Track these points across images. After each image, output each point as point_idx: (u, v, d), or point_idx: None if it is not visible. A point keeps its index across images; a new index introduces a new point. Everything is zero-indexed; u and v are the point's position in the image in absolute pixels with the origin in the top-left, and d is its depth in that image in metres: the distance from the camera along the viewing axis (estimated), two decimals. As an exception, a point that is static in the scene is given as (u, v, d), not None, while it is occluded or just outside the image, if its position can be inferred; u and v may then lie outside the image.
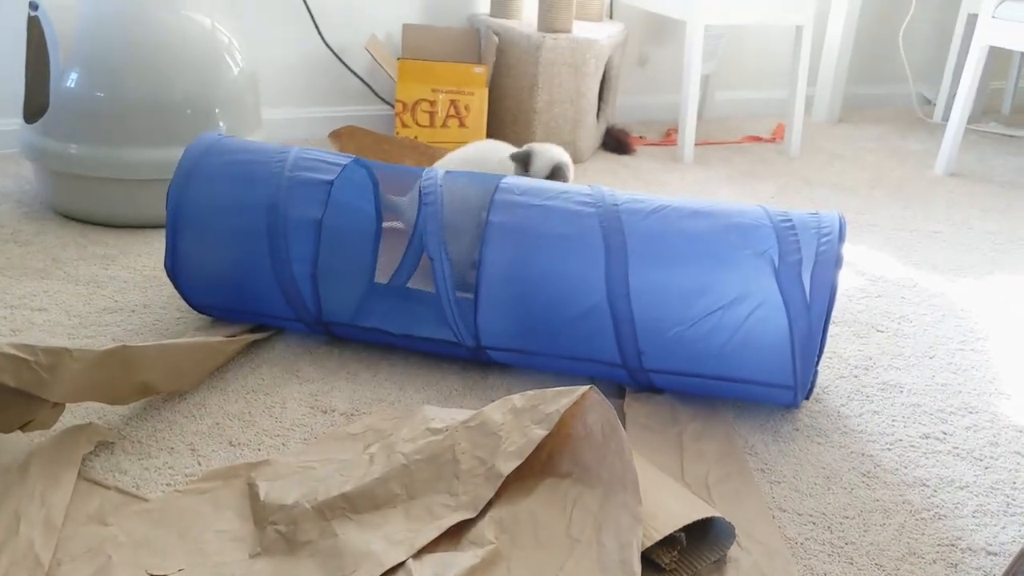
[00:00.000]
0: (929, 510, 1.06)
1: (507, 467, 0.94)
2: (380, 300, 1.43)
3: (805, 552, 0.98)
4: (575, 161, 2.39)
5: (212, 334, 1.31)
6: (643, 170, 2.40)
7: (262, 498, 0.96)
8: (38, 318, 1.38)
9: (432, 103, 2.31)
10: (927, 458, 1.17)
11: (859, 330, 1.53)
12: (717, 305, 1.14)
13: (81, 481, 1.00)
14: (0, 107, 2.12)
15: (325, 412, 1.18)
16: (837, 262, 1.13)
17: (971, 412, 1.29)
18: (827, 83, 3.03)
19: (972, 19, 2.95)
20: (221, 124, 1.77)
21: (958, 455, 1.18)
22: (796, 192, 2.29)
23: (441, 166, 1.61)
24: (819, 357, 1.26)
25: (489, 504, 0.93)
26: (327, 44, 2.43)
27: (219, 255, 1.31)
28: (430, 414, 1.04)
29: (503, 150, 1.65)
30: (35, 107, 1.76)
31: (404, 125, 2.31)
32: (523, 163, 1.57)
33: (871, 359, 1.43)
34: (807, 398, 1.28)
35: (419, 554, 0.88)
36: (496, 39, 2.36)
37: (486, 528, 0.91)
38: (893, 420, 1.26)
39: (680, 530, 0.90)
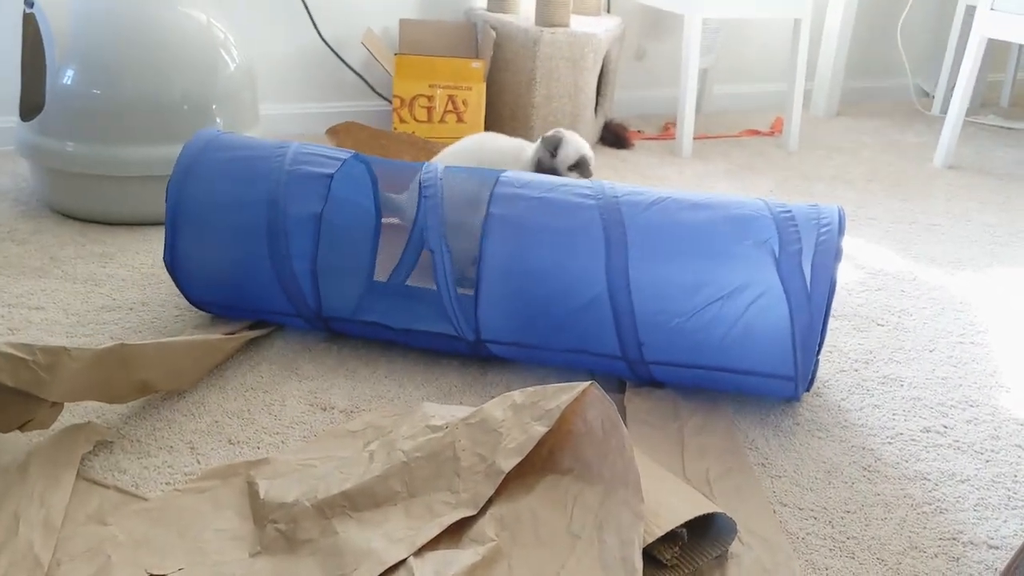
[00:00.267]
0: (930, 504, 1.06)
1: (507, 464, 0.93)
2: (380, 297, 1.43)
3: (806, 547, 0.98)
4: (574, 155, 2.40)
5: (211, 332, 1.31)
6: (641, 164, 2.39)
7: (262, 496, 0.96)
8: (36, 317, 1.37)
9: (430, 98, 2.30)
10: (928, 452, 1.17)
11: (859, 324, 1.53)
12: (718, 295, 1.14)
13: (80, 481, 1.00)
14: (-4, 105, 2.11)
15: (324, 409, 1.18)
16: (837, 252, 1.13)
17: (972, 405, 1.29)
18: (825, 76, 3.03)
19: (970, 11, 2.94)
20: (218, 120, 1.76)
21: (959, 449, 1.18)
22: (795, 186, 2.29)
23: (438, 159, 1.60)
24: (820, 348, 1.26)
25: (490, 501, 0.93)
26: (323, 39, 2.42)
27: (218, 251, 1.30)
28: (430, 411, 1.03)
29: (500, 141, 1.64)
30: (31, 105, 1.75)
31: (402, 120, 2.30)
32: (552, 148, 1.56)
33: (871, 353, 1.43)
34: (808, 390, 1.28)
35: (420, 552, 0.88)
36: (493, 34, 2.36)
37: (487, 525, 0.91)
38: (894, 414, 1.26)
39: (681, 526, 0.90)
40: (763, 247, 1.13)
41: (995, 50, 3.04)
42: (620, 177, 2.26)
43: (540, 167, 1.55)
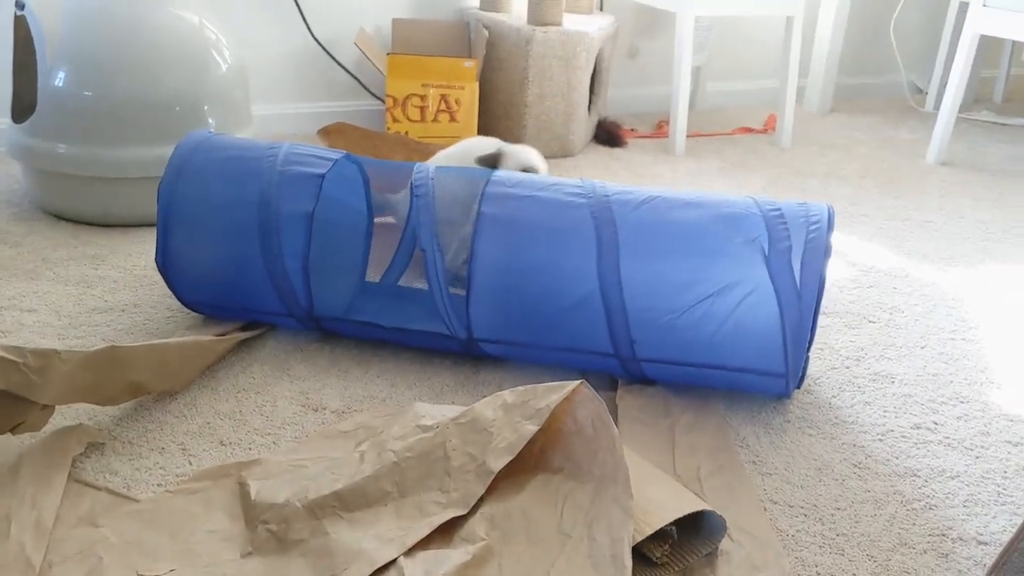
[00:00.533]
0: (920, 500, 1.07)
1: (498, 463, 0.94)
2: (372, 296, 1.43)
3: (796, 544, 0.98)
4: (566, 155, 2.41)
5: (202, 333, 1.31)
6: (635, 162, 2.39)
7: (253, 497, 0.96)
8: (28, 319, 1.37)
9: (423, 98, 2.30)
10: (918, 448, 1.17)
11: (851, 321, 1.53)
12: (707, 293, 1.15)
13: (72, 483, 1.00)
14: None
15: (316, 410, 1.18)
16: (826, 249, 1.14)
17: (962, 402, 1.30)
18: (818, 73, 3.03)
19: (963, 7, 2.95)
20: (210, 121, 1.76)
21: (949, 445, 1.19)
22: (788, 183, 2.29)
23: (432, 163, 1.60)
24: (810, 344, 1.26)
25: (480, 501, 0.93)
26: (316, 39, 2.42)
27: (210, 251, 1.31)
28: (421, 411, 1.04)
29: (489, 146, 1.64)
30: (23, 107, 1.75)
31: (395, 120, 2.30)
32: (491, 167, 1.52)
33: (862, 350, 1.43)
34: (798, 387, 1.28)
35: (410, 552, 0.88)
36: (486, 33, 2.36)
37: (477, 525, 0.91)
38: (884, 411, 1.26)
39: (671, 524, 0.91)
40: (752, 245, 1.14)
41: (988, 46, 3.05)
42: (613, 175, 2.26)
43: None
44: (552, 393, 0.97)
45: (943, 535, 1.01)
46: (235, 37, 1.86)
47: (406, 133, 2.28)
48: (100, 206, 1.74)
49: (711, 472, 1.08)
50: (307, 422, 1.15)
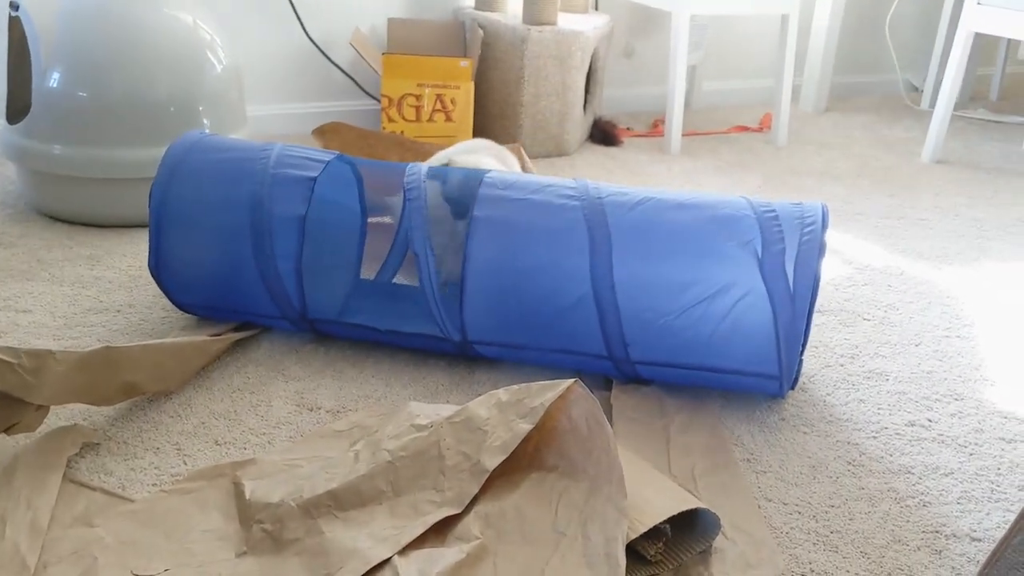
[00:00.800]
0: (914, 497, 1.07)
1: (492, 462, 0.94)
2: (366, 297, 1.43)
3: (791, 541, 0.98)
4: (562, 154, 2.41)
5: (197, 333, 1.31)
6: (631, 162, 2.40)
7: (248, 497, 0.96)
8: (23, 320, 1.37)
9: (418, 97, 2.30)
10: (912, 446, 1.18)
11: (845, 319, 1.54)
12: (702, 296, 1.15)
13: (66, 483, 1.00)
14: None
15: (311, 410, 1.18)
16: (820, 251, 1.14)
17: (956, 399, 1.30)
18: (814, 72, 3.04)
19: (958, 5, 2.95)
20: (205, 122, 1.76)
21: (943, 442, 1.19)
22: (783, 182, 2.29)
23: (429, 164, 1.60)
24: (804, 346, 1.26)
25: (475, 499, 0.93)
26: (311, 39, 2.42)
27: (203, 253, 1.30)
28: (415, 410, 1.04)
29: (480, 149, 1.63)
30: (18, 108, 1.75)
31: (390, 120, 2.30)
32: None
33: (857, 348, 1.44)
34: (792, 388, 1.29)
35: (405, 551, 0.88)
36: (481, 32, 2.36)
37: (472, 524, 0.91)
38: (879, 408, 1.26)
39: (665, 522, 0.91)
40: (746, 248, 1.14)
41: (984, 44, 3.05)
42: (609, 174, 2.27)
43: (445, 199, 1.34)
44: (546, 392, 0.97)
45: (937, 532, 1.01)
46: (230, 37, 1.86)
47: (402, 133, 2.28)
48: (95, 207, 1.74)
49: (705, 470, 1.08)
50: (302, 422, 1.16)
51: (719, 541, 0.95)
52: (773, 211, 1.17)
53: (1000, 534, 1.01)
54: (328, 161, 1.30)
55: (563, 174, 2.22)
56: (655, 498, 0.93)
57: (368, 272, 1.46)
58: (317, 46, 2.43)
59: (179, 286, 1.34)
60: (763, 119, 2.86)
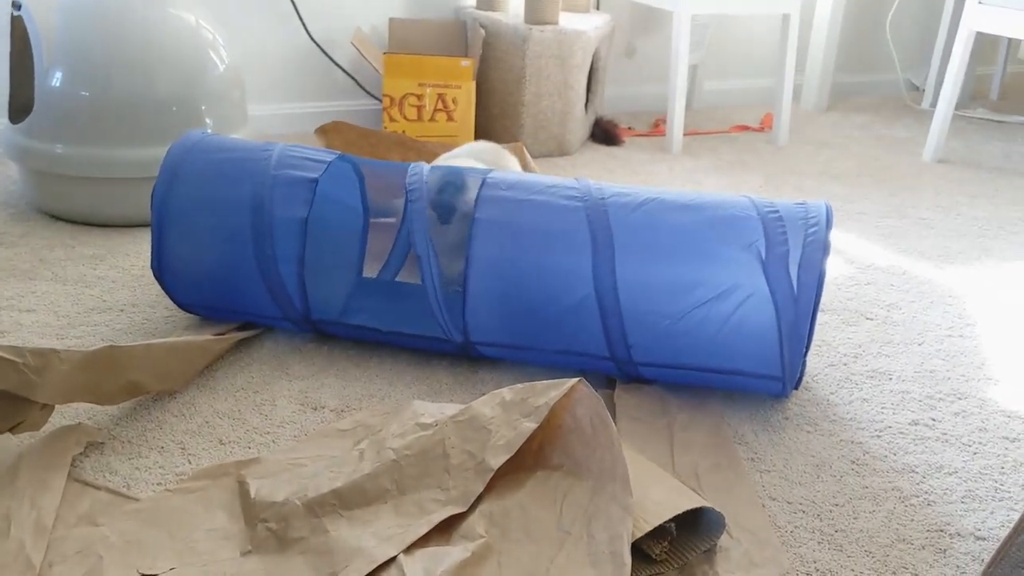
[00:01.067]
0: (918, 496, 1.07)
1: (497, 461, 0.94)
2: (368, 297, 1.43)
3: (795, 540, 0.98)
4: (563, 153, 2.41)
5: (201, 333, 1.31)
6: (632, 161, 2.40)
7: (252, 496, 0.96)
8: (26, 319, 1.37)
9: (419, 97, 2.30)
10: (916, 445, 1.18)
11: (848, 318, 1.54)
12: (705, 299, 1.14)
13: (71, 482, 1.00)
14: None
15: (315, 409, 1.18)
16: (824, 252, 1.14)
17: (960, 398, 1.30)
18: (815, 71, 3.04)
19: (959, 5, 2.95)
20: (207, 121, 1.76)
21: (947, 441, 1.19)
22: (784, 181, 2.29)
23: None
24: (807, 347, 1.26)
25: (479, 498, 0.93)
26: (313, 39, 2.42)
27: (205, 254, 1.30)
28: (420, 409, 1.04)
29: (481, 153, 1.62)
30: (20, 107, 1.75)
31: (392, 119, 2.30)
32: None
33: (860, 347, 1.44)
34: (796, 388, 1.29)
35: (410, 549, 0.88)
36: (483, 32, 2.36)
37: (476, 522, 0.91)
38: (882, 407, 1.26)
39: (670, 521, 0.91)
40: (749, 250, 1.14)
41: (984, 44, 3.05)
42: (610, 173, 2.27)
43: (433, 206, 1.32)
44: (551, 390, 0.97)
45: (941, 531, 1.01)
46: (232, 37, 1.86)
47: (403, 132, 2.28)
48: (97, 206, 1.74)
49: (709, 469, 1.08)
50: (306, 421, 1.16)
51: (723, 540, 0.95)
52: (777, 211, 1.17)
53: (1004, 532, 1.01)
54: (330, 161, 1.30)
55: (564, 173, 2.22)
56: (660, 497, 0.93)
57: (370, 272, 1.46)
58: (319, 45, 2.43)
59: (181, 287, 1.33)
60: (764, 118, 2.86)
